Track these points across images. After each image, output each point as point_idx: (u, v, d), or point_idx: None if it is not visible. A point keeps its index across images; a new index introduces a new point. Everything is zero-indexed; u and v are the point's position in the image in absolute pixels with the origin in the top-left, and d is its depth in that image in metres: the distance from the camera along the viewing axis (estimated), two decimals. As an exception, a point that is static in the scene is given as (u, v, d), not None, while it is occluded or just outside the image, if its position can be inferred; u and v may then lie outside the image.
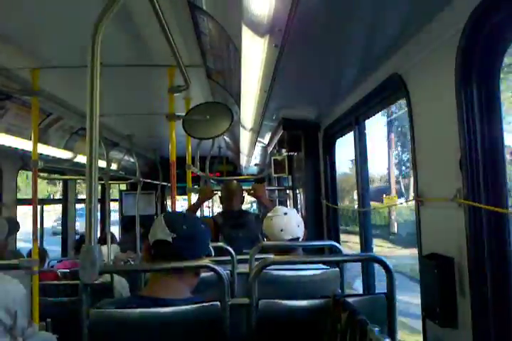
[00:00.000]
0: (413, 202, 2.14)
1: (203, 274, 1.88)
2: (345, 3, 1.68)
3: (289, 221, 2.69)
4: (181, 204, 9.63)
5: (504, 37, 1.50)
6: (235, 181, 4.50)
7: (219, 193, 4.37)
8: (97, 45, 1.55)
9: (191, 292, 1.84)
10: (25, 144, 3.91)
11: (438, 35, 1.77)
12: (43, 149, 4.36)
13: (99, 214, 7.33)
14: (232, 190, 4.25)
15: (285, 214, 2.72)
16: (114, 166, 6.73)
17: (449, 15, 1.70)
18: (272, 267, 2.42)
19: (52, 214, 16.42)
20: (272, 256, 2.62)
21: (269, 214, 2.79)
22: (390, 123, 25.75)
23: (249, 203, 18.69)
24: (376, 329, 1.33)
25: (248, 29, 1.79)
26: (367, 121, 3.25)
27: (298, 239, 2.68)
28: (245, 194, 4.30)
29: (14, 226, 3.80)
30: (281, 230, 2.64)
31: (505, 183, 1.59)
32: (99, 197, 7.55)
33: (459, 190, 1.66)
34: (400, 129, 26.04)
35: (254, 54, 2.05)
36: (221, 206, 4.35)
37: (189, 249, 1.79)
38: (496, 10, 1.43)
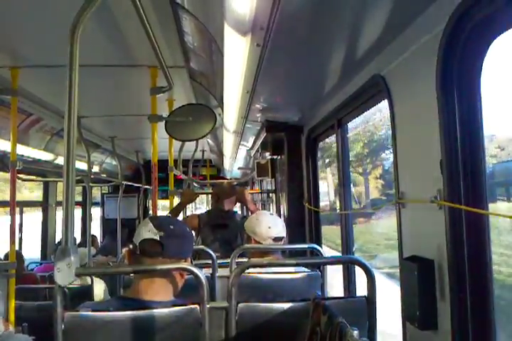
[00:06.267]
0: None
1: (189, 277, 1.86)
2: (327, 3, 1.67)
3: (275, 219, 2.76)
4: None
5: (484, 38, 1.51)
6: (229, 183, 4.52)
7: (201, 196, 4.36)
8: (76, 44, 1.52)
9: (176, 295, 1.82)
10: (4, 145, 3.84)
11: (419, 36, 1.77)
12: (23, 150, 4.28)
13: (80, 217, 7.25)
14: (228, 191, 4.26)
15: (271, 214, 2.86)
16: (96, 168, 6.65)
17: (429, 17, 1.70)
18: (253, 270, 2.40)
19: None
20: (252, 259, 2.62)
21: (253, 215, 2.84)
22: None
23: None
24: (355, 332, 1.32)
25: (230, 28, 1.77)
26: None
27: (282, 238, 2.70)
28: None
29: None
30: (269, 227, 2.66)
31: (485, 185, 1.59)
32: (81, 200, 7.46)
33: (440, 192, 1.66)
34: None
35: (237, 54, 2.03)
36: (211, 204, 4.35)
37: (177, 246, 1.79)
38: (476, 12, 1.43)
